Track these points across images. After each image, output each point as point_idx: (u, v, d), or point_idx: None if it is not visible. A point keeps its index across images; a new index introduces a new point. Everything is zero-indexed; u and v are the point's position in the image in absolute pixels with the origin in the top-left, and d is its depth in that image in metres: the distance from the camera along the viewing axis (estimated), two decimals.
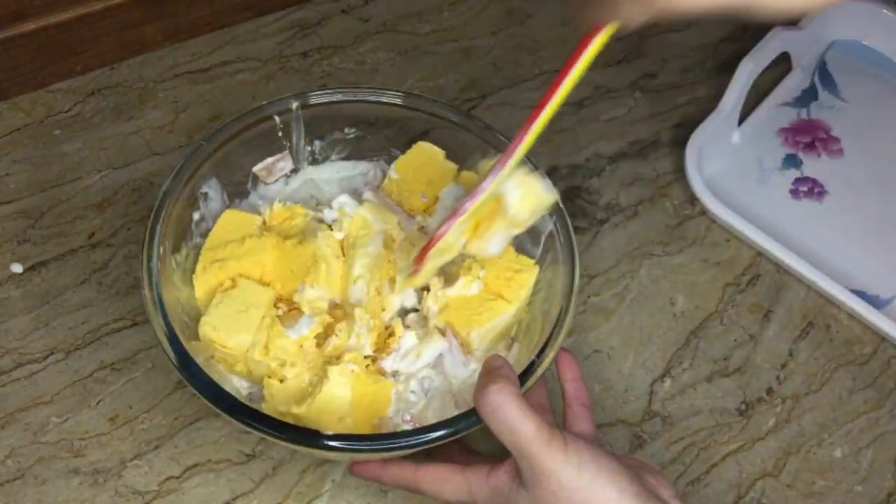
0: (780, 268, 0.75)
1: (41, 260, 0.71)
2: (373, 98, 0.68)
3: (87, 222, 0.73)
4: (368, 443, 0.55)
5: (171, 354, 0.56)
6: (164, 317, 0.57)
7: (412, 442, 0.55)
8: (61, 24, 0.76)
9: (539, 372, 0.57)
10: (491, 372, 0.53)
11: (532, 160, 0.65)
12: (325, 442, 0.54)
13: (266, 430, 0.54)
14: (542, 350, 0.58)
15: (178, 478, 0.63)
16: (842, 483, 0.67)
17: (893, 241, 0.77)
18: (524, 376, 0.56)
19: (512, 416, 0.50)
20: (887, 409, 0.70)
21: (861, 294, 0.73)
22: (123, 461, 0.63)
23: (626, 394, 0.69)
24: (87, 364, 0.67)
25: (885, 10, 0.87)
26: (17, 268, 0.70)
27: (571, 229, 0.63)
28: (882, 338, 0.73)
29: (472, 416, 0.55)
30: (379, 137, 0.70)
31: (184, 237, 0.64)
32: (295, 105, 0.67)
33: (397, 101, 0.68)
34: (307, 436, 0.54)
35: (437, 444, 0.55)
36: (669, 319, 0.73)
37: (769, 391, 0.70)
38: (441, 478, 0.55)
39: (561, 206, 0.64)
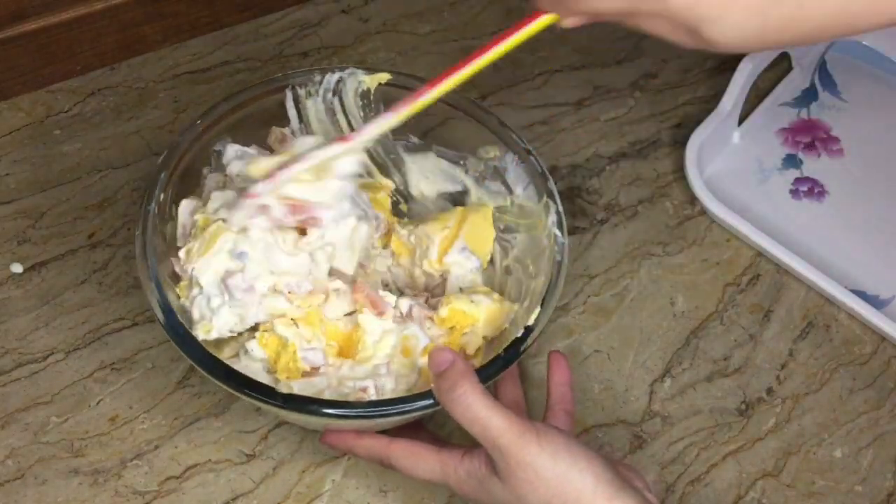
0: (780, 268, 0.75)
1: (41, 260, 0.71)
2: (397, 82, 0.68)
3: (87, 222, 0.73)
4: (355, 409, 0.55)
5: (156, 302, 0.57)
6: (151, 260, 0.58)
7: (395, 410, 0.55)
8: (61, 24, 0.76)
9: (500, 372, 0.57)
10: (448, 370, 0.52)
11: (534, 156, 0.66)
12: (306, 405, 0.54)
13: (258, 397, 0.55)
14: (510, 348, 0.58)
15: (178, 478, 0.63)
16: (842, 483, 0.67)
17: (893, 241, 0.77)
18: (489, 369, 0.57)
19: (481, 414, 0.51)
20: (887, 409, 0.70)
21: (861, 294, 0.73)
22: (123, 461, 0.63)
23: (626, 394, 0.69)
24: (87, 364, 0.67)
25: None
26: (17, 268, 0.70)
27: (565, 234, 0.63)
28: (882, 338, 0.73)
29: None
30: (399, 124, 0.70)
31: (191, 190, 0.64)
32: (318, 79, 0.68)
33: (420, 87, 0.67)
34: (270, 395, 0.55)
35: (420, 414, 0.56)
36: (669, 319, 0.73)
37: (769, 391, 0.70)
38: (415, 454, 0.55)
39: (560, 210, 0.64)
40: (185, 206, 0.63)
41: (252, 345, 0.60)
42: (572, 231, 0.75)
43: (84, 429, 0.64)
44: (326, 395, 0.59)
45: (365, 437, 0.57)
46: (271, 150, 0.68)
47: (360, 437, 0.57)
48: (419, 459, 0.55)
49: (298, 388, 0.58)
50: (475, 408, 0.51)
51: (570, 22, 0.51)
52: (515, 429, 0.50)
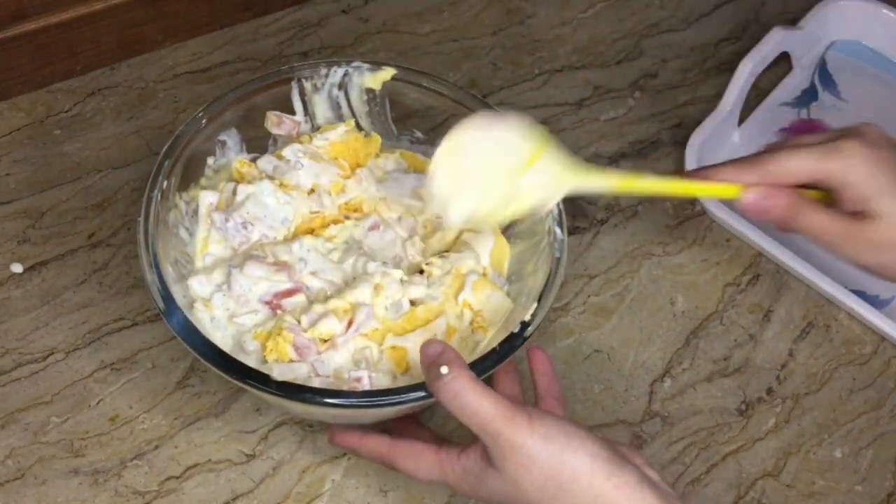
0: (780, 268, 0.75)
1: (41, 260, 0.71)
2: (404, 77, 0.69)
3: (87, 222, 0.73)
4: (355, 399, 0.56)
5: (156, 290, 0.57)
6: (152, 247, 0.59)
7: (391, 400, 0.56)
8: (61, 24, 0.76)
9: (496, 365, 0.58)
10: (436, 360, 0.52)
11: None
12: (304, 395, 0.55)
13: (255, 385, 0.56)
14: (505, 342, 0.58)
15: (178, 478, 0.63)
16: (842, 483, 0.67)
17: None
18: (485, 362, 0.57)
19: (470, 399, 0.51)
20: (887, 409, 0.70)
21: (861, 294, 0.73)
22: (123, 461, 0.63)
23: (626, 394, 0.69)
24: (87, 364, 0.67)
25: (885, 10, 0.87)
26: (17, 268, 0.70)
27: (565, 231, 0.63)
28: (882, 338, 0.73)
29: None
30: (404, 119, 0.71)
31: (194, 179, 0.65)
32: (324, 72, 0.68)
33: (427, 83, 0.69)
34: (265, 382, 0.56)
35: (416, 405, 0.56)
36: (669, 319, 0.73)
37: (769, 391, 0.70)
38: (415, 455, 0.56)
39: (560, 208, 0.64)
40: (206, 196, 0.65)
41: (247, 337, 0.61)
42: (572, 231, 0.75)
43: (84, 429, 0.64)
44: (316, 384, 0.59)
45: (369, 437, 0.58)
46: (270, 135, 0.69)
47: (364, 438, 0.58)
48: (419, 460, 0.55)
49: (279, 371, 0.59)
50: (464, 393, 0.51)
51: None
52: (506, 412, 0.50)
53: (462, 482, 0.54)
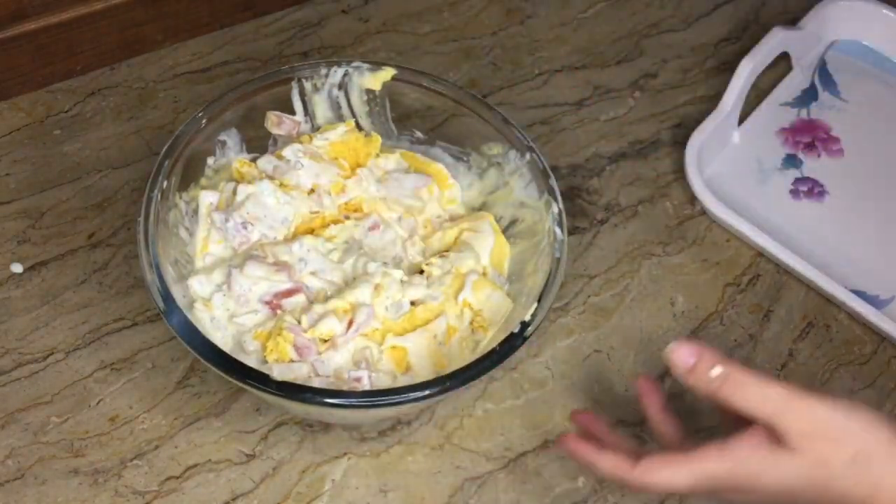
0: (780, 268, 0.75)
1: (41, 260, 0.71)
2: (404, 77, 0.69)
3: (87, 222, 0.73)
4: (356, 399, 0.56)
5: (156, 290, 0.58)
6: (152, 247, 0.59)
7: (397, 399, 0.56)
8: (61, 24, 0.76)
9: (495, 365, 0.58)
10: (695, 366, 0.51)
11: (537, 153, 0.66)
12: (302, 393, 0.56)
13: (254, 384, 0.56)
14: (505, 342, 0.58)
15: (178, 478, 0.63)
16: None
17: (893, 241, 0.77)
18: (484, 363, 0.58)
19: (755, 388, 0.50)
20: (887, 409, 0.70)
21: (861, 294, 0.73)
22: (123, 461, 0.63)
23: (626, 394, 0.69)
24: (87, 364, 0.67)
25: (885, 10, 0.87)
26: (17, 268, 0.70)
27: (565, 231, 0.64)
28: (882, 338, 0.73)
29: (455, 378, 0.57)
30: (404, 119, 0.71)
31: (195, 179, 0.66)
32: (324, 73, 0.68)
33: (427, 83, 0.69)
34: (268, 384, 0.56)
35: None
36: (669, 319, 0.73)
37: None
38: (668, 464, 0.52)
39: (560, 208, 0.64)
40: (206, 196, 0.65)
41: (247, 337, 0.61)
42: (572, 231, 0.75)
43: (84, 429, 0.64)
44: (316, 384, 0.59)
45: (607, 453, 0.54)
46: (270, 135, 0.69)
47: (602, 454, 0.54)
48: (677, 468, 0.52)
49: (279, 371, 0.59)
50: (746, 384, 0.50)
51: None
52: (797, 391, 0.49)
53: (728, 479, 0.51)
